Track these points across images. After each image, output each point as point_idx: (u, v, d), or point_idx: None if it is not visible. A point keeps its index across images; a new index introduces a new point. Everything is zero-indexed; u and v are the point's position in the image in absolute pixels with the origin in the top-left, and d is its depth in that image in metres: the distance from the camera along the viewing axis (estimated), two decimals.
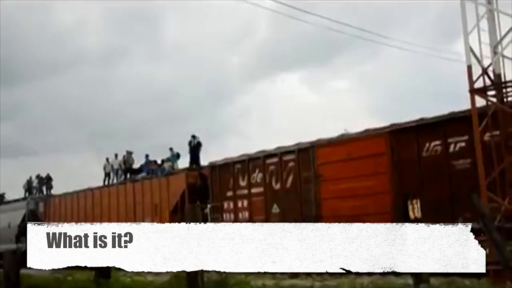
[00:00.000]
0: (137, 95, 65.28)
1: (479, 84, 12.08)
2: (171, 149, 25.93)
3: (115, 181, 28.50)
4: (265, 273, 18.53)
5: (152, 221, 22.02)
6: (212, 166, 20.95)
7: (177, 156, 25.56)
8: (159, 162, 26.44)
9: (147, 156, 27.24)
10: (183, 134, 57.15)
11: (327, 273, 16.40)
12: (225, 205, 19.76)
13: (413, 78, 56.73)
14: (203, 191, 21.41)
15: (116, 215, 25.40)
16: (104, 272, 7.46)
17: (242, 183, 19.35)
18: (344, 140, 16.78)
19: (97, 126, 63.92)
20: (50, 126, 67.00)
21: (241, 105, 64.69)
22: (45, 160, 61.91)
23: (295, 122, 58.87)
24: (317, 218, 16.08)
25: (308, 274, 15.55)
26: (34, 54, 62.32)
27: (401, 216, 12.29)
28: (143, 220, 23.03)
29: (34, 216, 31.47)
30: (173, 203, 22.45)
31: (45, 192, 34.50)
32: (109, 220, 24.87)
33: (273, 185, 18.22)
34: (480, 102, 12.23)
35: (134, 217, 24.22)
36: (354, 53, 60.36)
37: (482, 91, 12.08)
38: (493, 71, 12.06)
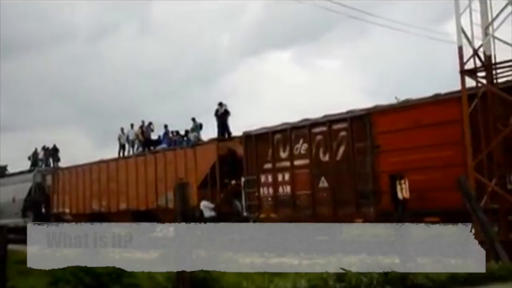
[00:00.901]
0: (126, 72, 64.73)
1: (469, 65, 12.07)
2: (193, 119, 23.96)
3: (131, 153, 26.43)
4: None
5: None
6: (247, 136, 19.04)
7: (200, 126, 23.70)
8: (181, 133, 24.68)
9: (166, 126, 25.49)
10: (171, 112, 56.81)
11: (315, 251, 16.62)
12: (262, 178, 18.03)
13: (404, 58, 56.80)
14: (235, 163, 19.99)
15: (134, 190, 23.88)
16: None
17: (283, 154, 17.56)
18: (409, 106, 14.75)
19: (85, 103, 63.44)
20: (37, 102, 66.42)
21: (230, 83, 64.41)
22: (32, 136, 61.55)
23: (285, 100, 58.86)
24: (375, 193, 14.82)
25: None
26: (21, 29, 61.55)
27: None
28: (165, 196, 21.70)
29: (41, 190, 30.28)
30: (202, 177, 20.79)
31: (51, 165, 32.71)
32: (127, 195, 24.11)
33: (320, 156, 16.44)
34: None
35: (155, 192, 22.80)
36: (344, 32, 60.15)
37: (472, 72, 12.08)
38: (484, 53, 12.04)
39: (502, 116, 12.09)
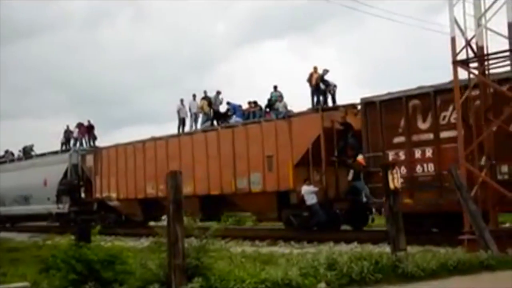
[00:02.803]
0: (120, 60, 64.35)
1: (462, 56, 12.10)
2: (275, 87, 20.49)
3: (193, 128, 22.77)
4: (244, 240, 18.79)
5: (264, 178, 18.24)
6: (368, 104, 15.76)
7: (281, 96, 20.27)
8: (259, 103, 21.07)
9: (228, 103, 21.98)
10: (165, 100, 56.70)
11: (306, 240, 16.67)
12: (391, 155, 14.93)
13: (398, 48, 56.78)
14: (347, 137, 16.97)
15: (204, 170, 20.17)
16: (84, 236, 7.42)
17: (423, 125, 14.58)
18: None
19: (78, 91, 63.06)
20: (29, 90, 65.92)
21: (226, 72, 64.22)
22: (25, 124, 61.13)
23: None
24: None
25: (287, 241, 15.78)
26: (14, 16, 60.87)
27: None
28: (248, 178, 18.70)
29: (80, 172, 26.83)
30: (299, 154, 17.37)
31: (86, 144, 28.70)
32: (193, 177, 20.28)
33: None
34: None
35: (233, 174, 19.21)
36: (339, 21, 60.03)
37: (465, 63, 12.12)
38: (476, 43, 12.08)
39: (494, 107, 12.15)
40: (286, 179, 17.55)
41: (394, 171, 10.29)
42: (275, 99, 20.14)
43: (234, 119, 21.19)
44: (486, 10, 11.95)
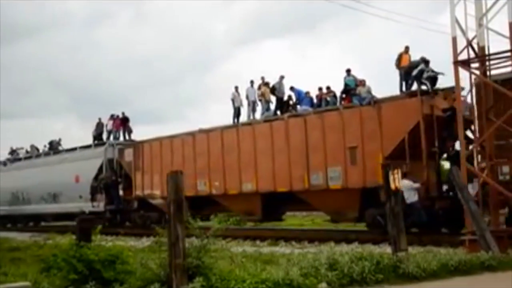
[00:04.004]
0: (120, 60, 64.38)
1: (463, 56, 12.10)
2: (348, 70, 18.19)
3: (251, 117, 20.58)
4: (245, 240, 18.74)
5: (345, 172, 16.17)
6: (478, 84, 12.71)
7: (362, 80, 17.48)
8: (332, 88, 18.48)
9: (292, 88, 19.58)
10: (165, 100, 56.71)
11: (306, 240, 16.60)
12: None
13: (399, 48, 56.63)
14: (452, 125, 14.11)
15: (269, 165, 18.08)
16: (85, 236, 7.42)
17: None
18: None
19: (79, 90, 63.09)
20: (29, 90, 65.96)
21: (226, 72, 64.24)
22: (25, 123, 61.16)
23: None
24: None
25: (288, 241, 15.75)
26: (14, 16, 60.90)
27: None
28: (325, 172, 16.60)
29: (117, 167, 24.58)
30: (391, 144, 15.25)
31: (122, 137, 26.38)
32: (255, 172, 18.45)
33: None
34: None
35: (306, 168, 17.09)
36: (340, 22, 60.01)
37: (466, 63, 12.11)
38: (478, 44, 12.07)
39: (496, 108, 12.14)
40: (375, 174, 14.83)
41: (395, 171, 10.29)
42: (351, 83, 17.75)
43: (302, 107, 18.98)
44: (487, 10, 11.95)
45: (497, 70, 12.62)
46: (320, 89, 18.90)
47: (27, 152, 32.63)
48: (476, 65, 12.22)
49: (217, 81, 64.59)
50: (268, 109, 20.07)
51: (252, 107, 20.58)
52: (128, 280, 7.22)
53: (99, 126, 27.19)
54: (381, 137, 15.47)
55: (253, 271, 7.62)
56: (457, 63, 11.95)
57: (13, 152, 33.45)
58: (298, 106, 19.18)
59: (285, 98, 19.79)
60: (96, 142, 26.71)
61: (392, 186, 9.50)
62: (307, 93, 19.18)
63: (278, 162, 17.88)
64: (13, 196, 30.46)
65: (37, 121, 63.82)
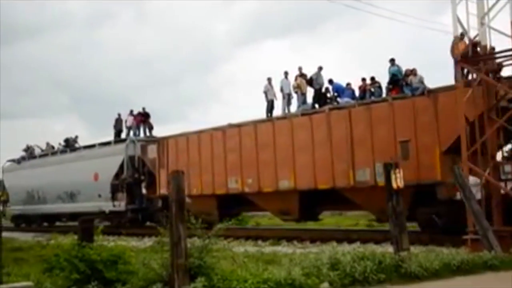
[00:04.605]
0: (120, 60, 64.45)
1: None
2: (392, 60, 17.01)
3: (286, 111, 19.53)
4: (247, 239, 18.70)
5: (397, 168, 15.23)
6: None
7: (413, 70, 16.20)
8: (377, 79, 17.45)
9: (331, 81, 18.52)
10: (167, 100, 56.72)
11: (308, 240, 16.59)
12: None
13: (402, 48, 56.66)
14: None
15: (309, 160, 17.03)
16: (88, 236, 7.43)
17: None
18: None
19: (79, 91, 63.15)
20: (29, 90, 66.05)
21: (226, 72, 64.26)
22: (26, 123, 61.27)
23: None
24: None
25: (290, 241, 15.73)
26: (14, 16, 61.01)
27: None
28: (373, 167, 15.41)
29: (139, 165, 23.55)
30: (450, 138, 13.83)
31: (142, 133, 25.53)
32: (293, 169, 17.50)
33: None
34: None
35: (351, 164, 16.08)
36: (342, 22, 59.96)
37: (468, 62, 12.10)
38: (480, 43, 12.06)
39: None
40: (431, 169, 14.15)
41: (397, 170, 10.28)
42: (397, 73, 16.76)
43: (343, 99, 17.99)
44: (489, 9, 11.94)
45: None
46: (363, 80, 17.84)
47: (41, 150, 31.88)
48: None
49: (218, 81, 64.59)
50: (304, 101, 19.10)
51: (287, 100, 19.56)
52: (130, 280, 7.22)
53: (118, 122, 26.23)
54: (437, 130, 14.32)
55: (255, 271, 7.61)
56: (459, 62, 11.94)
57: (28, 148, 32.55)
58: (339, 99, 18.26)
59: (323, 90, 18.79)
60: (116, 138, 25.86)
61: (394, 185, 9.48)
62: (348, 84, 18.30)
63: (318, 158, 16.87)
64: (28, 195, 29.71)
65: (37, 121, 63.88)
